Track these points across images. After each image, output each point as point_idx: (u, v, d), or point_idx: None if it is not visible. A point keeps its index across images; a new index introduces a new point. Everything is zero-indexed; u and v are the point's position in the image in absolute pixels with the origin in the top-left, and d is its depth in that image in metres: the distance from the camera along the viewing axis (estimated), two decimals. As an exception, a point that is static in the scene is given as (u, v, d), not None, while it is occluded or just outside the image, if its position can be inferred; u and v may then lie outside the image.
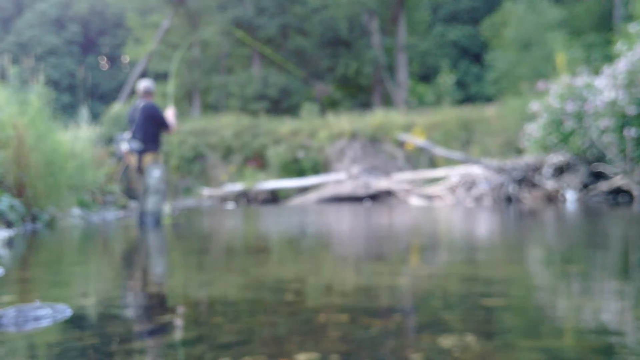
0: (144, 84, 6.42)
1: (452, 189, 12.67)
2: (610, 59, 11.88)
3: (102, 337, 1.33)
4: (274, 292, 1.92)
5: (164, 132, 6.47)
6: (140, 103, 6.34)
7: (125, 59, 38.43)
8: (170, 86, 7.74)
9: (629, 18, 15.79)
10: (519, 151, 13.60)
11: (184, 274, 2.56)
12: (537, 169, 11.19)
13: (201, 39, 29.80)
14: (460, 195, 12.16)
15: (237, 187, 17.49)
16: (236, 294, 1.93)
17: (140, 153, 6.21)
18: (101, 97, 35.06)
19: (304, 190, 17.16)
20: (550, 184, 10.74)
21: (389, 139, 18.35)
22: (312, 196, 16.05)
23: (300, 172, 18.25)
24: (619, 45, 10.35)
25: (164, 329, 1.42)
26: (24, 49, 31.33)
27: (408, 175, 15.23)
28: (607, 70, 10.24)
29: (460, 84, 29.32)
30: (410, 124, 18.29)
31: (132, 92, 30.52)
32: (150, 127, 6.22)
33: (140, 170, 6.28)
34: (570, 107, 10.61)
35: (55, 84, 29.05)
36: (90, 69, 34.03)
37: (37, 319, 1.50)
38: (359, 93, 31.01)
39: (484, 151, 15.18)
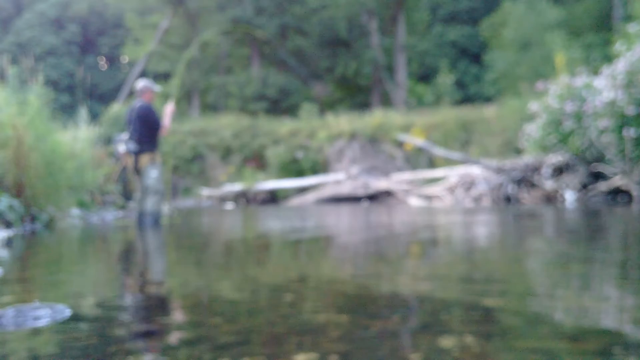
0: (140, 83, 6.43)
1: (451, 189, 12.67)
2: (609, 59, 11.90)
3: (101, 338, 1.33)
4: (272, 292, 1.92)
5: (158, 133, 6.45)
6: (136, 103, 6.35)
7: (125, 59, 38.43)
8: (175, 84, 7.71)
9: (628, 18, 15.80)
10: (518, 151, 13.62)
11: (182, 274, 2.56)
12: (536, 169, 11.20)
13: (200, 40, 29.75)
14: (460, 196, 12.17)
15: (236, 187, 17.50)
16: (235, 294, 1.93)
17: (137, 154, 6.20)
18: (100, 97, 35.05)
19: (303, 190, 17.17)
20: (549, 184, 10.75)
21: (388, 139, 18.36)
22: (311, 196, 16.05)
23: (300, 173, 18.26)
24: (618, 46, 10.36)
25: (162, 329, 1.42)
26: (23, 49, 31.31)
27: (407, 175, 15.23)
28: (606, 70, 10.25)
29: (460, 84, 29.34)
30: (409, 124, 18.30)
31: (131, 93, 30.52)
32: (145, 128, 6.21)
33: (138, 171, 6.28)
34: (570, 107, 10.62)
35: (54, 84, 29.05)
36: (89, 69, 34.02)
37: (36, 319, 1.50)
38: (358, 93, 31.03)
39: (483, 151, 15.20)
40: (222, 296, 1.88)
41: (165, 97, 13.83)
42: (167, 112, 6.51)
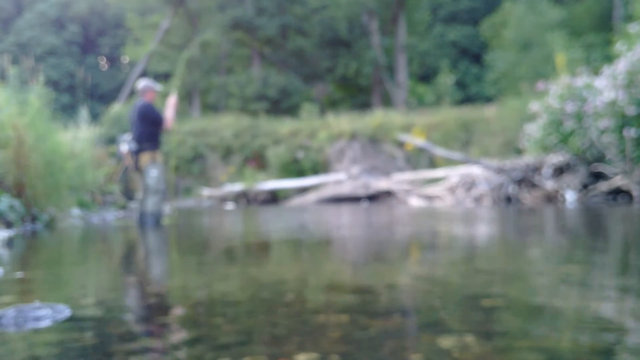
0: (142, 83, 6.46)
1: (452, 190, 12.67)
2: (610, 59, 11.90)
3: (101, 338, 1.33)
4: (273, 292, 1.92)
5: (162, 130, 6.45)
6: (138, 103, 6.38)
7: (125, 59, 38.45)
8: (175, 83, 7.71)
9: (629, 18, 15.81)
10: (519, 151, 13.61)
11: (183, 274, 2.56)
12: (536, 169, 11.19)
13: (201, 40, 29.75)
14: (460, 196, 12.17)
15: (237, 187, 17.50)
16: (235, 294, 1.93)
17: (137, 153, 6.21)
18: (101, 97, 35.07)
19: (303, 190, 17.17)
20: (549, 184, 10.74)
21: (389, 140, 18.36)
22: (311, 196, 16.05)
23: (300, 173, 18.26)
24: (619, 46, 10.36)
25: (163, 329, 1.42)
26: (24, 50, 31.32)
27: (408, 175, 15.23)
28: (606, 70, 10.25)
29: (460, 85, 29.35)
30: (410, 124, 18.31)
31: (132, 93, 30.52)
32: (145, 127, 6.23)
33: (138, 170, 6.28)
34: (570, 107, 10.62)
35: (54, 84, 29.05)
36: (89, 70, 34.03)
37: (36, 319, 1.50)
38: (359, 93, 31.03)
39: (484, 151, 15.19)
40: (223, 296, 1.88)
41: (165, 96, 13.81)
42: (170, 104, 6.51)
